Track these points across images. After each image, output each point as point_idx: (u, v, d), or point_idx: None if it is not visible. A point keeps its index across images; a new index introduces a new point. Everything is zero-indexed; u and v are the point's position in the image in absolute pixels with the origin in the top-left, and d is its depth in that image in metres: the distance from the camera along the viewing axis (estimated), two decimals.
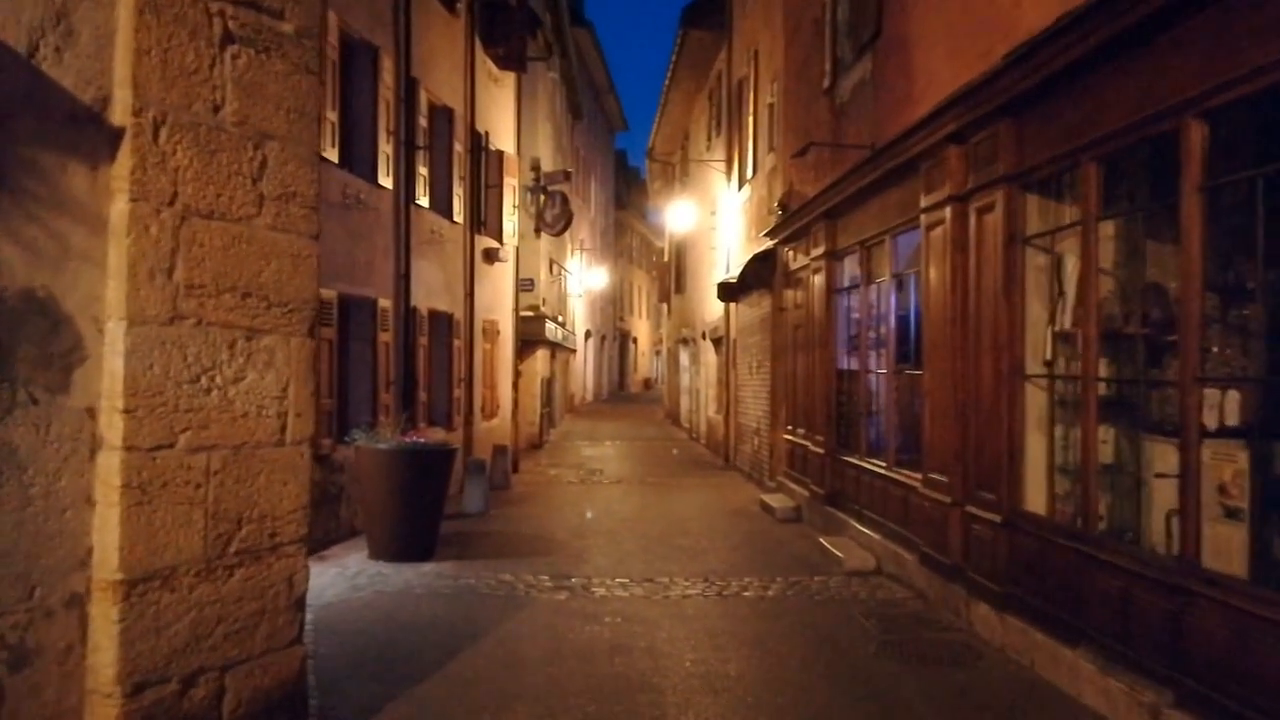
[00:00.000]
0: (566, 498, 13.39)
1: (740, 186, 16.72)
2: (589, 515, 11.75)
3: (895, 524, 8.36)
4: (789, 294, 12.64)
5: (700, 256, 22.30)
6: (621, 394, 48.75)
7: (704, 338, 21.63)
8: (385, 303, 10.72)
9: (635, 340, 54.17)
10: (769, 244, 13.52)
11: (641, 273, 53.99)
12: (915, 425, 8.33)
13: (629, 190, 48.41)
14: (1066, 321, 5.90)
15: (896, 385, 8.71)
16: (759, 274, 13.92)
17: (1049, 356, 6.03)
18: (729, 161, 17.98)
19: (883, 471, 8.77)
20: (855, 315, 10.11)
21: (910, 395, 8.48)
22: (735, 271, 15.60)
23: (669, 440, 23.81)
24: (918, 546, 7.65)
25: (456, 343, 13.17)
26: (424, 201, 11.97)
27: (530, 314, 21.10)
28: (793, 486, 11.96)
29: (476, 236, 14.20)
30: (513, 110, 16.48)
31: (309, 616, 5.07)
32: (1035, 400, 6.10)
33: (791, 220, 11.69)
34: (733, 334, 17.27)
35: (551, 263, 24.03)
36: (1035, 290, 6.11)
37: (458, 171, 13.21)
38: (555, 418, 26.33)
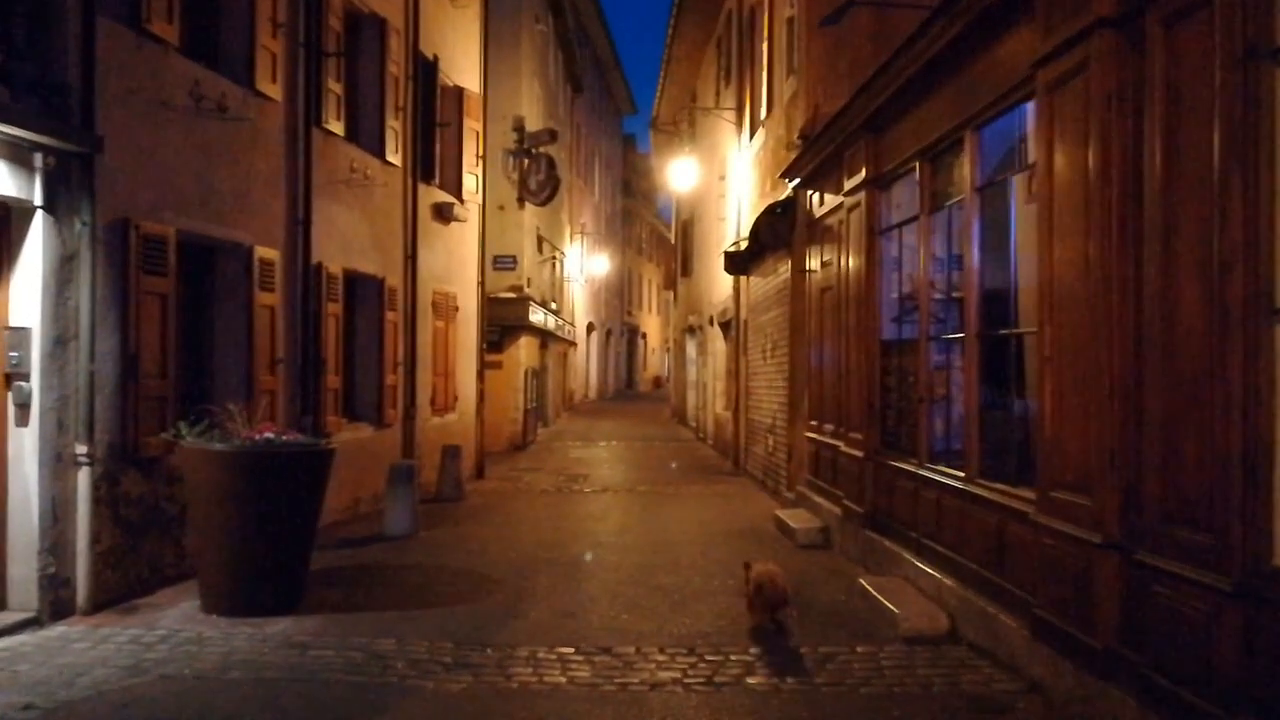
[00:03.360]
0: (531, 513, 10.55)
1: (752, 135, 13.85)
2: (551, 539, 8.92)
3: (981, 566, 5.49)
4: (813, 251, 9.77)
5: (708, 232, 19.44)
6: (629, 392, 45.84)
7: (711, 323, 18.76)
8: (268, 253, 7.92)
9: (645, 336, 51.24)
10: (787, 191, 10.66)
11: (652, 266, 51.11)
12: (1017, 415, 5.47)
13: (639, 179, 45.56)
14: None
15: (983, 356, 5.82)
16: (774, 231, 11.05)
17: None
18: (740, 110, 15.12)
19: (958, 485, 5.90)
20: (909, 263, 7.24)
21: (1008, 370, 5.61)
22: (745, 232, 12.72)
23: (672, 440, 20.93)
24: (1027, 606, 4.78)
25: (390, 316, 10.36)
26: (336, 128, 9.18)
27: (511, 295, 18.35)
28: (818, 500, 9.09)
29: (422, 186, 11.39)
30: (477, 40, 13.68)
31: None
32: None
33: (818, 147, 8.81)
34: (743, 314, 14.41)
35: (541, 240, 21.23)
36: None
37: (393, 99, 10.41)
38: (548, 415, 23.52)
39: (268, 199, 8.00)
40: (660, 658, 5.28)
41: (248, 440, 5.99)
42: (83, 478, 5.87)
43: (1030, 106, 5.03)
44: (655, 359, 53.54)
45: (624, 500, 11.67)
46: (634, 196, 44.72)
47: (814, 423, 9.58)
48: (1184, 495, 3.59)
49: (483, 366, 13.70)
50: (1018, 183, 5.56)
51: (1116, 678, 4.00)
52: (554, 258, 23.74)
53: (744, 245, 12.96)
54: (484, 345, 13.84)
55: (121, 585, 6.19)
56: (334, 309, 9.03)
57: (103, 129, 5.91)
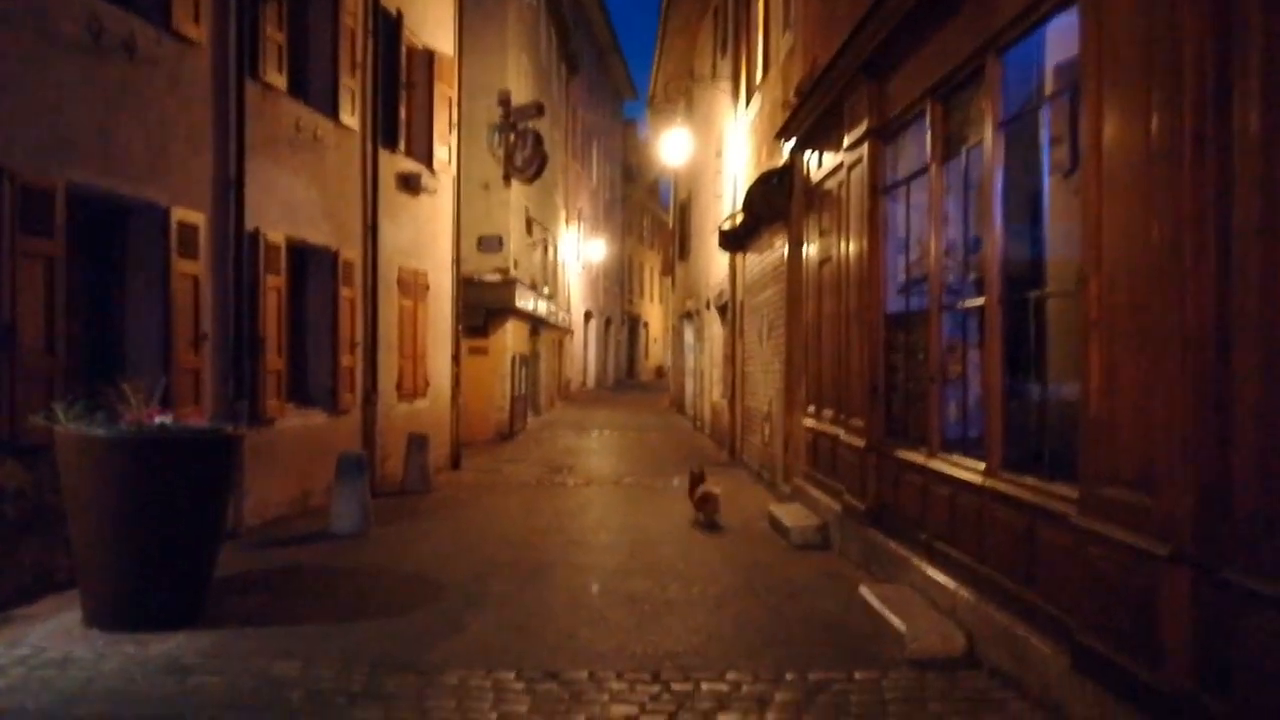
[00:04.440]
0: (503, 509, 9.63)
1: (748, 102, 12.88)
2: (518, 537, 8.00)
3: (1006, 576, 4.55)
4: (811, 221, 8.82)
5: (705, 211, 18.47)
6: (630, 381, 44.84)
7: (708, 307, 17.81)
8: (189, 215, 6.99)
9: (646, 325, 50.24)
10: (783, 159, 9.70)
11: (654, 254, 50.03)
12: (1052, 395, 4.54)
13: (640, 165, 44.47)
14: None
15: (1008, 326, 4.87)
16: (769, 201, 10.10)
17: None
18: (735, 78, 14.13)
19: (977, 479, 4.95)
20: (918, 225, 6.29)
21: (1039, 342, 4.66)
22: (741, 204, 11.75)
23: (667, 430, 19.99)
24: (1065, 630, 3.85)
25: (346, 292, 9.42)
26: (277, 81, 8.23)
27: (497, 278, 17.39)
28: (815, 494, 8.15)
29: (385, 153, 10.44)
30: (450, 0, 12.69)
31: None
32: None
33: (815, 99, 7.84)
34: (739, 295, 13.46)
35: (530, 221, 20.26)
36: None
37: (348, 55, 9.46)
38: (539, 404, 22.59)
39: (189, 156, 7.07)
40: (617, 686, 4.36)
41: (134, 425, 5.07)
42: None
43: (1068, 13, 4.07)
44: (657, 348, 52.52)
45: (607, 494, 10.74)
46: (635, 183, 43.66)
47: (812, 409, 8.64)
48: None
49: (458, 350, 12.75)
50: (1052, 113, 4.60)
51: None
52: (545, 241, 22.77)
53: (739, 220, 12.00)
54: (459, 328, 12.88)
55: None
56: (275, 281, 8.09)
57: None
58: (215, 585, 5.84)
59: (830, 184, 8.02)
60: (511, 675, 4.46)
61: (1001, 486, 4.68)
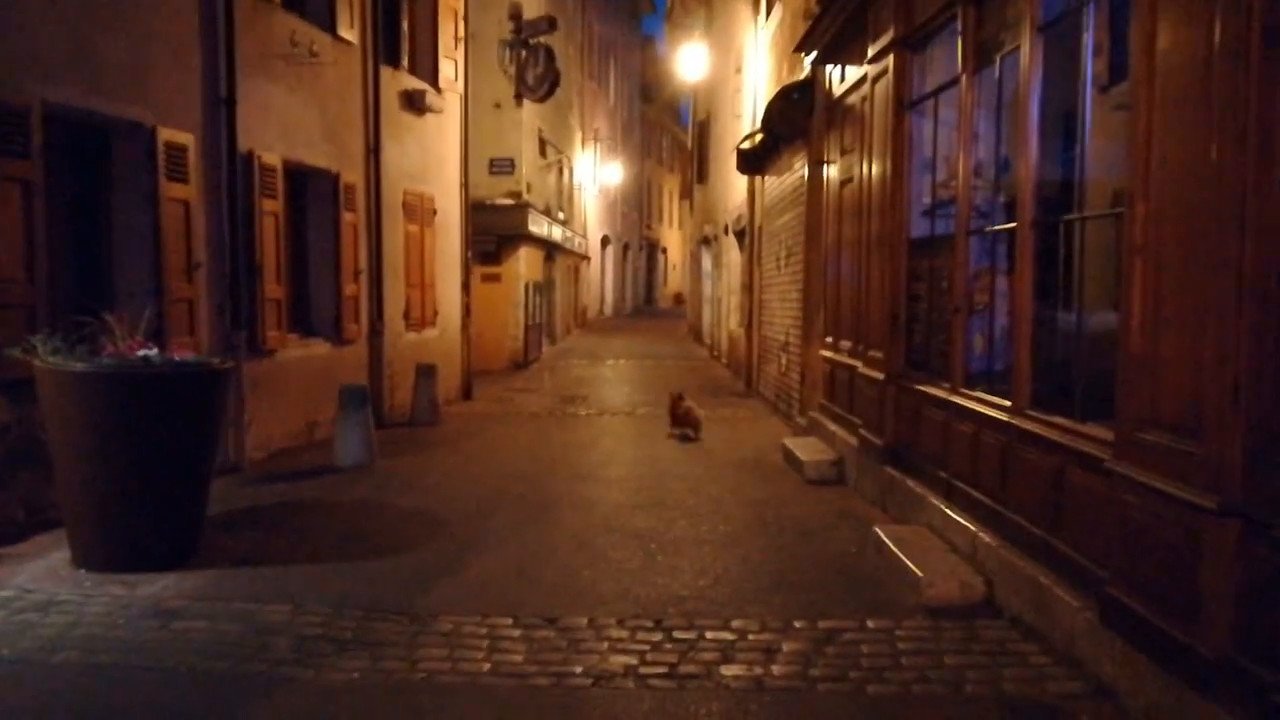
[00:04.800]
0: (512, 440, 9.46)
1: (769, 12, 12.23)
2: (525, 470, 7.82)
3: (1031, 521, 4.29)
4: (832, 139, 8.36)
5: (724, 132, 17.84)
6: (648, 309, 44.50)
7: (726, 232, 17.35)
8: (178, 136, 6.66)
9: (665, 251, 49.61)
10: (804, 72, 9.17)
11: (673, 178, 49.12)
12: (1087, 328, 4.21)
13: (659, 84, 43.27)
14: None
15: (1040, 252, 4.50)
16: (789, 119, 9.60)
17: None
18: None
19: (1003, 416, 4.65)
20: (945, 142, 5.86)
21: (1073, 270, 4.30)
22: (760, 123, 11.23)
23: (685, 359, 19.73)
24: (1094, 582, 3.59)
25: (349, 217, 9.10)
26: None
27: (509, 202, 17.01)
28: (832, 428, 7.89)
29: (388, 70, 9.99)
30: None
31: None
32: None
33: (837, 7, 7.29)
34: (757, 219, 13.01)
35: (544, 143, 19.72)
36: None
37: None
38: (555, 332, 22.37)
39: (176, 73, 6.71)
40: (617, 634, 4.17)
41: (116, 358, 4.84)
42: None
43: None
44: (676, 275, 51.96)
45: (619, 425, 10.54)
46: (654, 102, 42.52)
47: (829, 339, 8.32)
48: None
49: (468, 278, 12.45)
50: (1095, 17, 4.15)
51: (1227, 696, 2.82)
52: (560, 163, 22.22)
53: (758, 140, 11.49)
54: (469, 254, 12.56)
55: None
56: (272, 206, 7.79)
57: None
58: (212, 522, 5.72)
59: (853, 99, 7.55)
60: (508, 621, 4.28)
61: (1029, 425, 4.38)
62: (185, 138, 6.74)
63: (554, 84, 16.57)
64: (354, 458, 7.58)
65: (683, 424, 9.37)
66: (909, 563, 4.85)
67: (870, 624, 4.29)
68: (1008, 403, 4.67)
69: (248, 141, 7.45)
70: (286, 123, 8.10)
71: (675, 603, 4.56)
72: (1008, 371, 4.77)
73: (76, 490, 4.87)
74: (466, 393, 12.25)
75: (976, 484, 4.95)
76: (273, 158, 7.81)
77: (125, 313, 5.49)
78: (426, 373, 9.98)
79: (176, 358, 5.10)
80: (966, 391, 5.25)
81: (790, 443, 8.21)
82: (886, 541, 5.26)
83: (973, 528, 4.85)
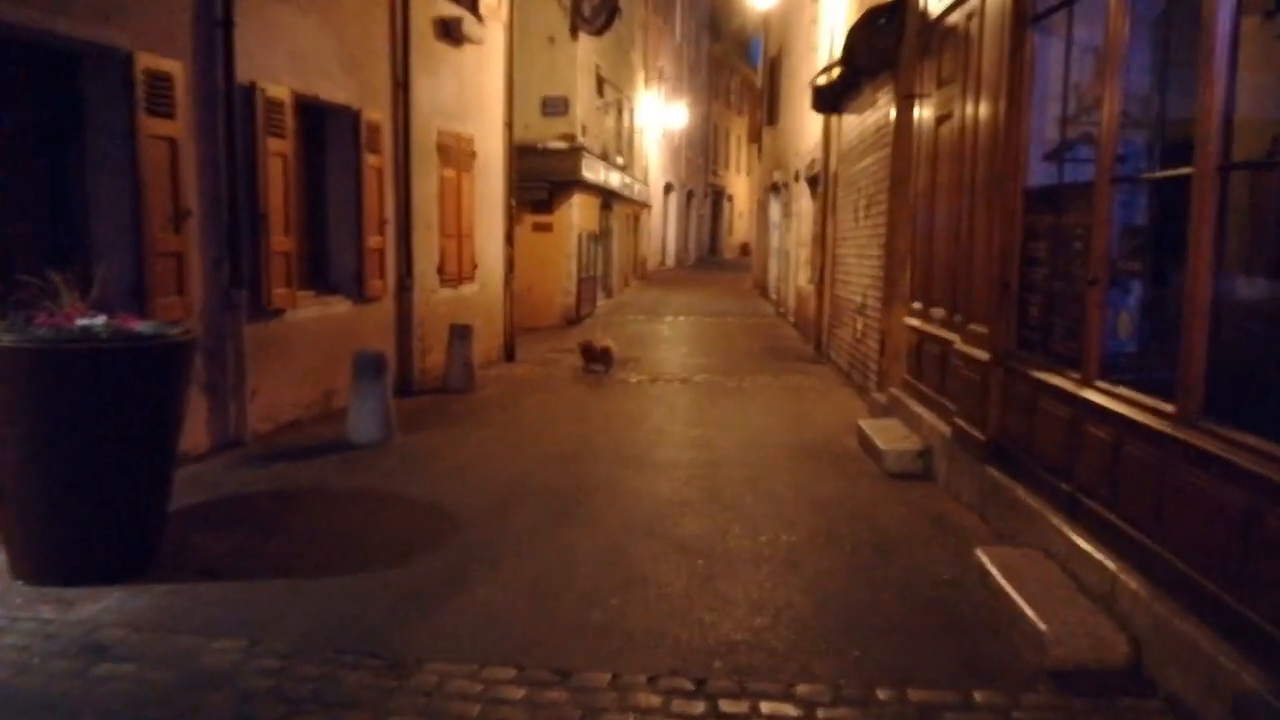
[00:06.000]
0: (551, 412, 8.53)
1: None
2: (562, 451, 6.89)
3: (1201, 571, 3.18)
4: (927, 69, 7.09)
5: (797, 67, 16.41)
6: (712, 259, 43.11)
7: (797, 179, 16.04)
8: (162, 64, 5.74)
9: (731, 198, 47.98)
10: None
11: (741, 121, 47.20)
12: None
13: (728, 19, 41.33)
14: None
15: (1224, 208, 3.30)
16: (874, 48, 8.30)
17: None
18: None
19: (1160, 426, 3.51)
20: (1080, 69, 4.63)
21: (1268, 232, 3.12)
22: (839, 54, 9.91)
23: (749, 316, 18.57)
24: None
25: (372, 160, 8.16)
26: None
27: (562, 145, 15.91)
28: (918, 410, 6.77)
29: None
30: None
31: None
32: None
33: None
34: (833, 164, 11.73)
35: (601, 81, 18.50)
36: None
37: None
38: (612, 285, 21.37)
39: None
40: (646, 699, 3.22)
41: (50, 329, 3.99)
42: None
43: None
44: (742, 224, 50.34)
45: (673, 394, 9.54)
46: (722, 40, 40.65)
47: (917, 305, 7.16)
48: None
49: (511, 228, 11.47)
50: None
51: None
52: (620, 104, 20.98)
53: (836, 74, 10.19)
54: (513, 202, 11.57)
55: None
56: (279, 146, 6.87)
57: None
58: (188, 514, 4.97)
59: (956, 18, 6.28)
60: (510, 674, 3.37)
61: (1201, 441, 3.25)
62: (171, 65, 5.82)
63: (612, 15, 15.38)
64: (368, 434, 6.73)
65: (600, 359, 10.58)
66: (1025, 606, 3.78)
67: (978, 697, 3.26)
68: (1169, 407, 3.52)
69: (250, 71, 6.52)
70: (297, 50, 7.14)
71: (724, 652, 3.58)
72: (1167, 364, 3.61)
73: (10, 488, 4.06)
74: (509, 353, 11.36)
75: (1115, 507, 3.84)
76: (280, 91, 6.87)
77: (103, 269, 4.69)
78: (461, 334, 9.09)
79: (128, 327, 4.23)
80: (1104, 386, 4.10)
81: (866, 425, 7.11)
82: (992, 571, 4.19)
83: (1110, 565, 3.75)
